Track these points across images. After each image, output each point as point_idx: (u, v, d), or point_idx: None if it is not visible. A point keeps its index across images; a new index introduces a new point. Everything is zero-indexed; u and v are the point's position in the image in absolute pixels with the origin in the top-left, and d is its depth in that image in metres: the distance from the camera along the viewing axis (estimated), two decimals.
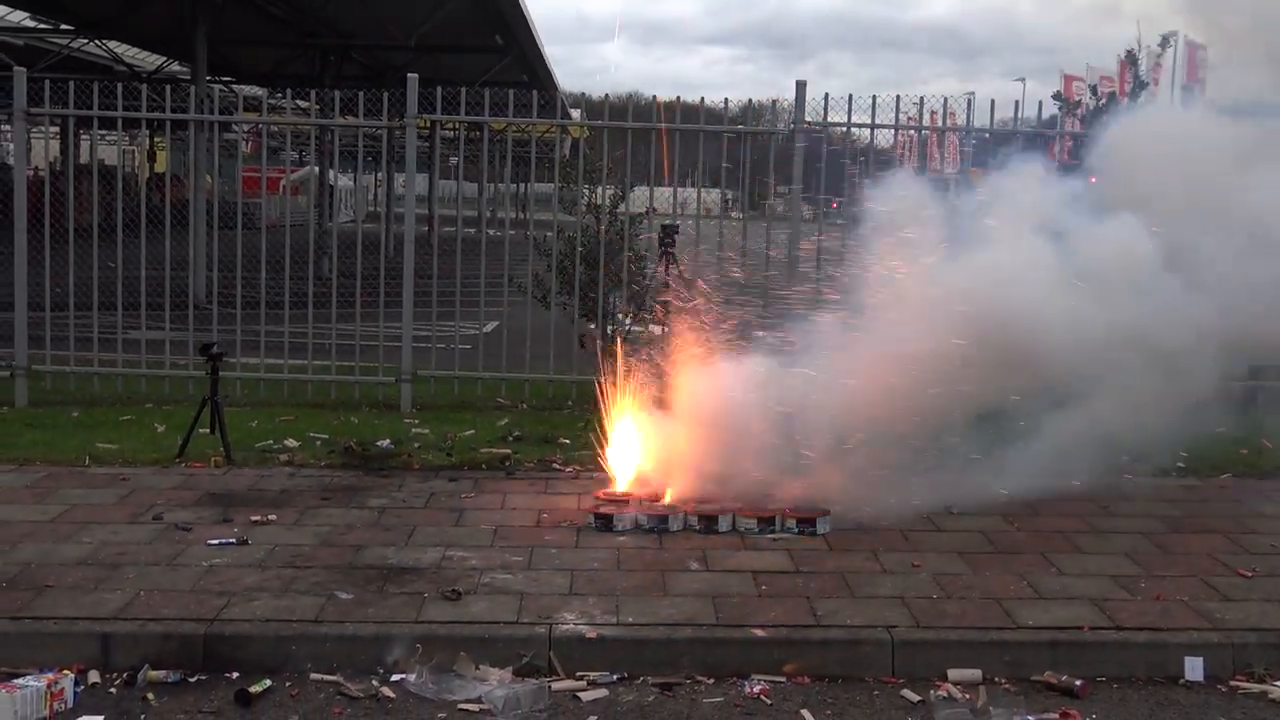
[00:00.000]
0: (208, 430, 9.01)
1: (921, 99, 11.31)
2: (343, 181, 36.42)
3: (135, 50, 31.36)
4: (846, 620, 6.11)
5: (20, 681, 5.25)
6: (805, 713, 5.46)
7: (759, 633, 5.94)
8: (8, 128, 11.57)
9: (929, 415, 7.59)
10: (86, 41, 28.52)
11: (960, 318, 7.50)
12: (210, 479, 8.49)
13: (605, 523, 7.48)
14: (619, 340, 10.78)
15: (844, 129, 11.49)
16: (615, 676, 5.71)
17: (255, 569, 6.60)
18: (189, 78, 24.35)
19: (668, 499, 7.74)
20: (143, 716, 5.29)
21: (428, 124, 12.03)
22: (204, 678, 5.61)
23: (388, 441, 9.49)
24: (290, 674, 5.66)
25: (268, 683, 5.53)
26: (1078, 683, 5.70)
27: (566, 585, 6.48)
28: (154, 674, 5.56)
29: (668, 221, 11.65)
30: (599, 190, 11.76)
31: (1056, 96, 22.42)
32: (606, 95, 11.86)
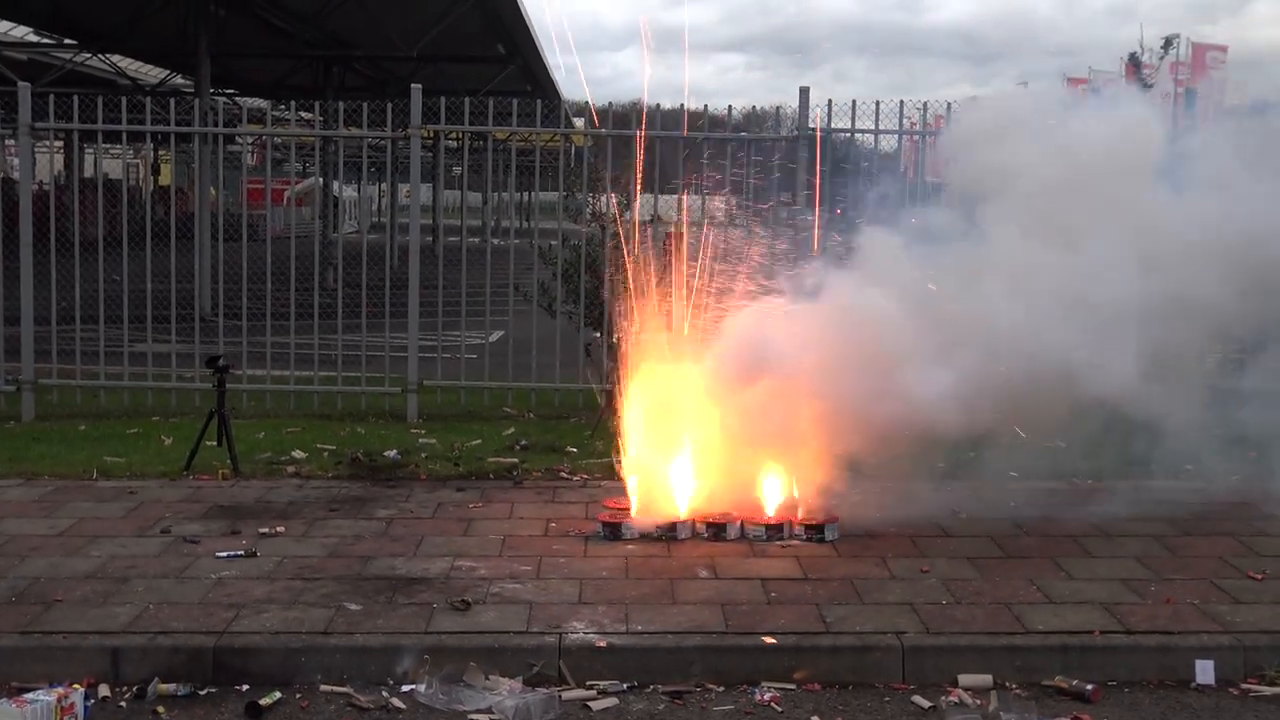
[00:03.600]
0: (215, 443, 9.01)
1: (925, 104, 11.28)
2: (347, 192, 36.47)
3: (138, 64, 31.46)
4: (856, 626, 6.09)
5: (30, 696, 5.24)
6: (816, 719, 5.45)
7: (769, 640, 5.93)
8: (12, 143, 11.58)
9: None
10: (90, 56, 28.58)
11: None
12: (218, 491, 8.49)
13: (613, 531, 7.47)
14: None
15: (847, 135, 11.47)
16: (625, 685, 5.70)
17: (264, 581, 6.60)
18: (192, 90, 24.43)
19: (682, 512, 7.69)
20: None
21: (431, 134, 12.05)
22: (214, 690, 5.61)
23: (395, 452, 9.49)
24: (300, 686, 5.65)
25: (278, 695, 5.52)
26: (1089, 687, 5.68)
27: (575, 594, 6.47)
28: (164, 687, 5.56)
29: (672, 229, 11.62)
30: (603, 198, 11.75)
31: None
32: (610, 104, 11.82)
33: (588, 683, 5.70)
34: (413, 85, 11.22)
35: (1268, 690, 5.79)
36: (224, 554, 7.02)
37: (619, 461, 8.21)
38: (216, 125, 12.41)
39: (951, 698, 5.66)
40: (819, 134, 10.84)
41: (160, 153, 33.40)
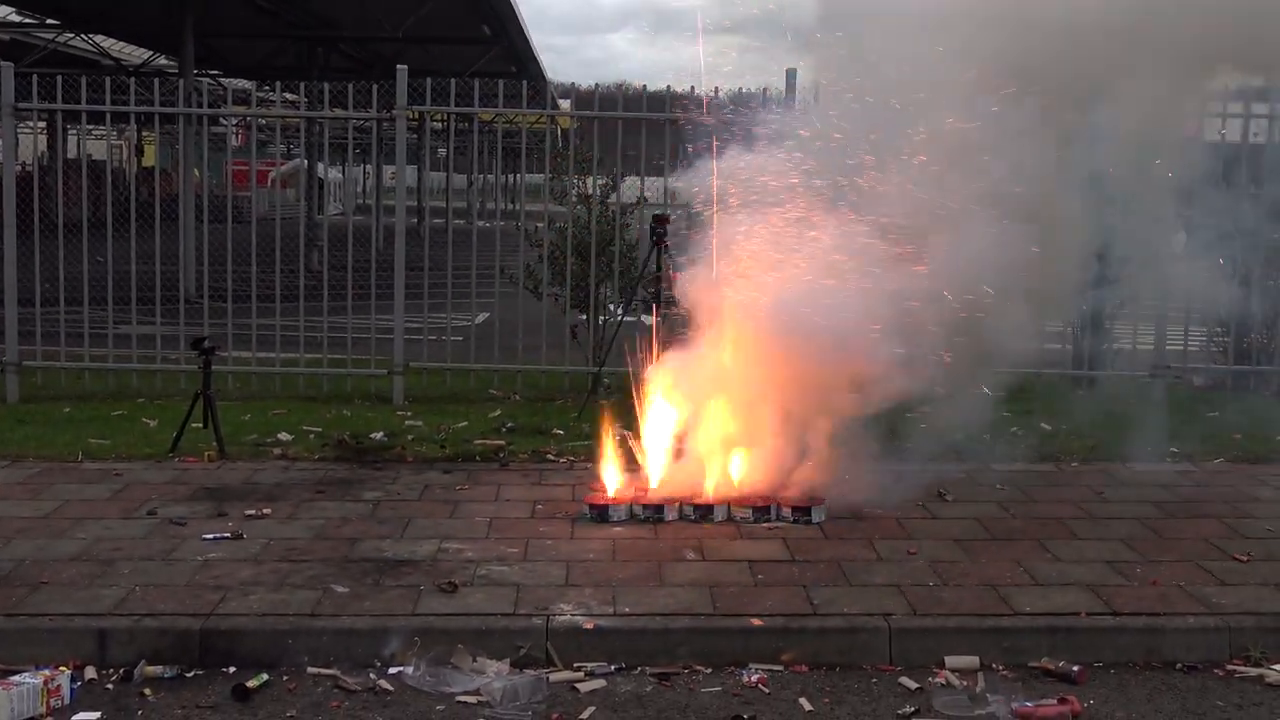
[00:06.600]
0: (200, 425, 8.97)
1: None
2: (332, 174, 36.33)
3: (122, 44, 31.27)
4: (843, 608, 6.11)
5: (16, 679, 5.23)
6: (803, 701, 5.46)
7: (756, 622, 5.94)
8: None
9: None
10: (73, 36, 28.42)
11: None
12: (204, 473, 8.47)
13: (600, 513, 7.47)
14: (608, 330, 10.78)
15: None
16: (613, 667, 5.70)
17: (250, 563, 6.59)
18: (176, 71, 24.30)
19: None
20: (140, 712, 5.27)
21: (417, 115, 11.98)
22: (201, 673, 5.60)
23: (381, 434, 9.47)
24: (287, 668, 5.64)
25: (265, 677, 5.52)
26: (1075, 668, 5.70)
27: (563, 576, 6.47)
28: (151, 669, 5.55)
29: (659, 211, 11.60)
30: (589, 180, 11.72)
31: None
32: (596, 85, 11.82)
33: (575, 664, 5.70)
34: (398, 66, 11.15)
35: (1253, 671, 5.82)
36: (210, 536, 7.00)
37: (602, 443, 8.20)
38: (201, 106, 12.34)
39: (938, 679, 5.68)
40: None
41: (144, 134, 33.19)
